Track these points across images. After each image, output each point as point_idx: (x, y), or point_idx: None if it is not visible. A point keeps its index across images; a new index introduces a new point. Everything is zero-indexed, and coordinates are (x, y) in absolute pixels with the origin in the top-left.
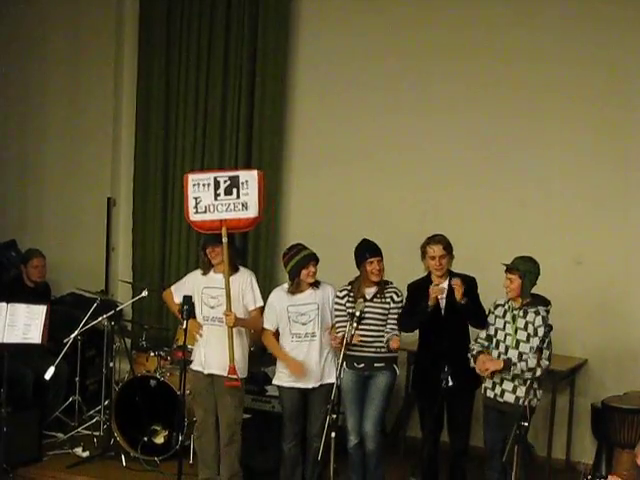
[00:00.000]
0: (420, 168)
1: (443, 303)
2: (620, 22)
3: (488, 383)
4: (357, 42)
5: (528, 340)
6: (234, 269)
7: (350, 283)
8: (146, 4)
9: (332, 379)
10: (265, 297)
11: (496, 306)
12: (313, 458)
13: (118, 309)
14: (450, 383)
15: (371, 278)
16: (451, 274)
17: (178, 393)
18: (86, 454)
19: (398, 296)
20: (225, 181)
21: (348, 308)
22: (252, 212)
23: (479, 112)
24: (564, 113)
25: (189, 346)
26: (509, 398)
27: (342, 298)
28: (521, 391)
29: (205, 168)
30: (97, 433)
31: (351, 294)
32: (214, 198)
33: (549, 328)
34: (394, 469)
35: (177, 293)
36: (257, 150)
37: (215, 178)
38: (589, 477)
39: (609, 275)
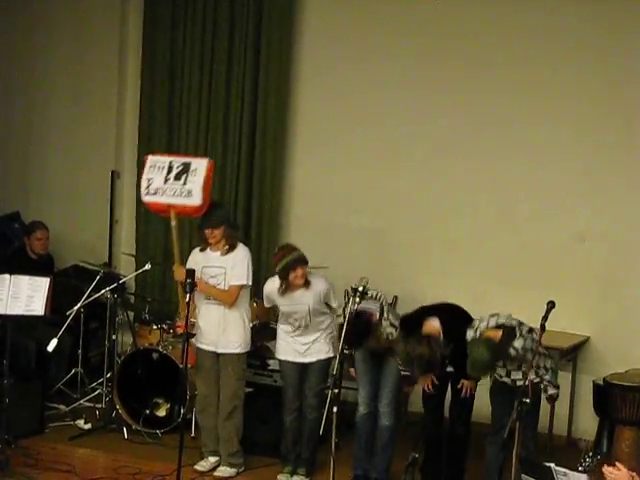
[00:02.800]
0: (421, 153)
1: None
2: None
3: (501, 371)
4: (361, 36)
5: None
6: (231, 247)
7: None
8: None
9: (328, 354)
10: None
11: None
12: (309, 430)
13: (121, 282)
14: (450, 369)
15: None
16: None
17: (180, 366)
18: (88, 426)
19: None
20: (178, 167)
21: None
22: (196, 200)
23: (484, 92)
24: (564, 92)
25: (192, 319)
26: (521, 382)
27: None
28: (532, 373)
29: (209, 140)
30: (99, 405)
31: None
32: (164, 182)
33: (551, 305)
34: (395, 444)
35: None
36: (261, 126)
37: (170, 162)
38: (590, 454)
39: (612, 253)
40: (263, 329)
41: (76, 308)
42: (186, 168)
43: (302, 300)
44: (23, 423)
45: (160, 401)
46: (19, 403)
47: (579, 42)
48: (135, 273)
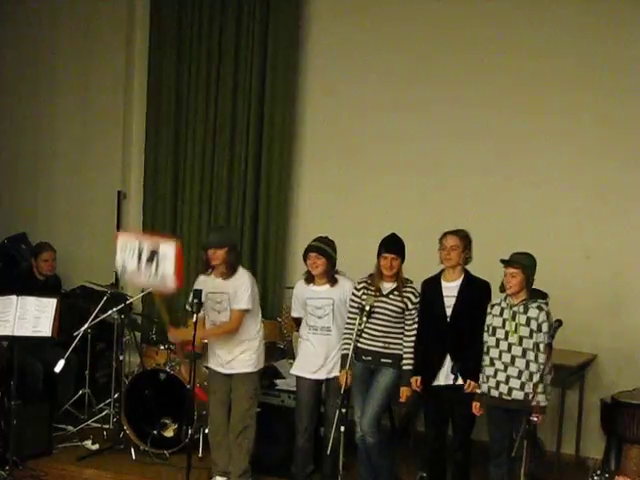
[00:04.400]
0: (432, 161)
1: (450, 310)
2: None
3: (492, 382)
4: (369, 55)
5: (531, 336)
6: (232, 272)
7: (370, 275)
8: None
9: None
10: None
11: (492, 306)
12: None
13: (128, 302)
14: (458, 381)
15: (383, 272)
16: (467, 276)
17: (187, 386)
18: (96, 447)
19: (416, 297)
20: (147, 252)
21: (362, 301)
22: (170, 285)
23: (490, 108)
24: (570, 109)
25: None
26: (517, 395)
27: (359, 290)
28: (529, 387)
29: (215, 161)
30: (107, 426)
31: (371, 287)
32: (137, 266)
33: (558, 323)
34: (403, 463)
35: None
36: (267, 146)
37: (140, 246)
38: (598, 472)
39: (618, 270)
40: (271, 349)
41: (83, 329)
42: (154, 253)
43: (328, 294)
44: (31, 444)
45: (168, 421)
46: (27, 424)
47: (584, 58)
48: (142, 294)
